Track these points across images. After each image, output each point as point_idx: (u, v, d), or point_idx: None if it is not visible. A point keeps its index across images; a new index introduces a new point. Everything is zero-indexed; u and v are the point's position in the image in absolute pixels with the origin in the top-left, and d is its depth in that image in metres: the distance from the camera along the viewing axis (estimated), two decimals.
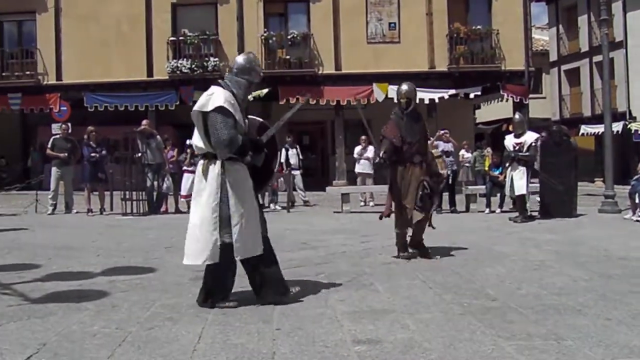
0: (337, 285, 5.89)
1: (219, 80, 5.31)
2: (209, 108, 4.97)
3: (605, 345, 4.01)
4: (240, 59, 5.38)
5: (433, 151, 8.14)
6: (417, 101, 7.99)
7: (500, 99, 25.09)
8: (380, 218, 8.10)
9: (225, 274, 5.15)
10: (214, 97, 5.01)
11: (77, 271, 6.81)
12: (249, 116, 5.50)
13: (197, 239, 5.08)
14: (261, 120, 5.77)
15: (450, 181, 14.58)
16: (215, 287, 5.13)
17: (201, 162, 5.19)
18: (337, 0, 24.11)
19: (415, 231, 7.79)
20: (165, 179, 14.76)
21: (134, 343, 4.11)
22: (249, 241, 5.07)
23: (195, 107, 5.08)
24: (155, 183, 14.48)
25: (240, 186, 5.07)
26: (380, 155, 7.67)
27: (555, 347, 3.97)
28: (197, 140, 5.21)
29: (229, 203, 5.00)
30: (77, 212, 14.59)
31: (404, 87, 7.95)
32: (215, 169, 5.04)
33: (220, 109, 4.94)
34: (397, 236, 7.75)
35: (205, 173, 5.09)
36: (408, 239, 7.83)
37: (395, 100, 8.16)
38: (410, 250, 7.76)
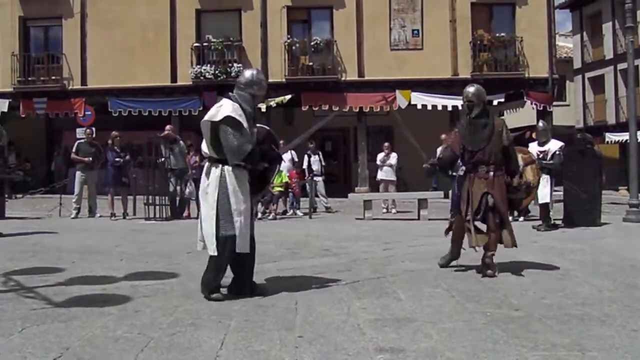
0: (359, 293, 5.88)
1: (229, 93, 5.84)
2: (218, 118, 5.56)
3: (632, 357, 3.97)
4: (245, 73, 5.96)
5: (524, 156, 7.62)
6: (484, 106, 7.18)
7: (523, 106, 24.94)
8: (445, 233, 7.78)
9: (223, 266, 5.70)
10: (223, 108, 5.61)
11: (100, 275, 6.86)
12: (258, 124, 6.07)
13: (205, 233, 5.70)
14: (268, 129, 6.32)
15: None
16: (212, 277, 5.67)
17: (207, 164, 5.81)
18: (361, 7, 24.14)
19: (485, 247, 7.04)
20: (188, 184, 14.83)
21: (156, 349, 4.14)
22: (245, 238, 5.63)
23: (205, 118, 5.68)
24: (178, 188, 14.58)
25: (239, 188, 5.63)
26: (429, 161, 7.55)
27: (579, 358, 3.94)
28: (204, 146, 5.87)
29: (230, 202, 5.58)
30: (100, 217, 14.73)
31: (467, 89, 7.31)
32: (216, 171, 5.65)
33: (228, 119, 5.53)
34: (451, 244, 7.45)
35: (208, 174, 5.75)
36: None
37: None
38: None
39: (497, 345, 4.20)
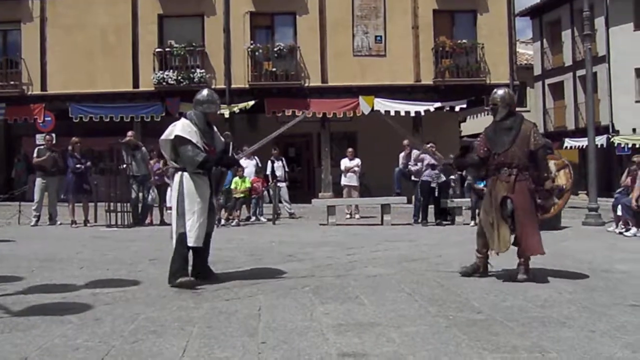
0: (322, 298, 5.87)
1: (188, 112, 6.85)
2: (171, 137, 6.58)
3: (589, 358, 4.03)
4: (198, 94, 6.93)
5: (557, 162, 7.45)
6: (510, 109, 7.01)
7: (485, 112, 25.23)
8: None
9: (181, 257, 6.53)
10: (175, 128, 6.61)
11: (60, 284, 6.73)
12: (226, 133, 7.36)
13: (171, 229, 6.69)
14: (224, 142, 7.15)
15: (436, 194, 14.63)
16: (176, 268, 6.48)
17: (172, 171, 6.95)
18: (324, 13, 24.21)
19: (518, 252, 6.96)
20: (151, 190, 14.71)
21: (117, 357, 4.07)
22: (197, 234, 6.51)
23: (162, 137, 6.70)
24: (141, 195, 14.42)
25: (194, 191, 6.55)
26: (445, 160, 7.57)
27: None
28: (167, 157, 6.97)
29: (184, 203, 6.52)
30: (60, 224, 14.50)
31: (495, 92, 7.18)
32: (177, 177, 6.68)
33: (178, 137, 6.53)
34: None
35: (172, 179, 6.92)
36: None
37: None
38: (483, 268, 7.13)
39: (459, 348, 4.24)
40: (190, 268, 6.71)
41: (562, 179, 6.96)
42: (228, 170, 7.12)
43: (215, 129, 7.05)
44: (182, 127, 6.58)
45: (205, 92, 6.97)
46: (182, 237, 6.50)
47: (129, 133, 14.90)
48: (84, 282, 6.78)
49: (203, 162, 6.48)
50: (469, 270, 7.05)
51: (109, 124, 22.97)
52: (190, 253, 6.67)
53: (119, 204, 14.12)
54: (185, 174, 6.57)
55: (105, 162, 15.01)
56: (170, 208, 14.33)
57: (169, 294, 6.13)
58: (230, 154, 7.13)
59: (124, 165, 14.34)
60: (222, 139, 7.09)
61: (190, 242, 6.49)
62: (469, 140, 34.08)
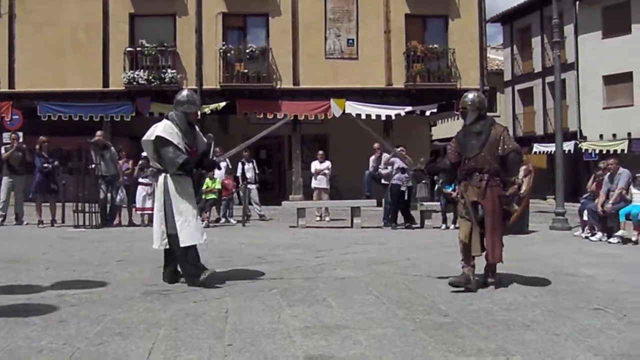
0: (290, 301, 5.88)
1: (169, 113, 6.81)
2: (152, 137, 6.57)
3: None
4: (178, 94, 6.95)
5: (524, 168, 7.20)
6: (480, 113, 6.87)
7: (455, 117, 25.45)
8: None
9: (189, 257, 6.58)
10: (156, 129, 6.59)
11: (25, 284, 6.64)
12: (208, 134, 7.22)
13: (155, 230, 6.75)
14: (207, 142, 7.11)
15: (406, 197, 14.71)
16: (189, 268, 6.60)
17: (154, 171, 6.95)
18: (296, 15, 24.19)
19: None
20: (119, 191, 14.56)
21: (81, 359, 4.04)
22: (188, 233, 6.52)
23: (144, 137, 6.69)
24: (109, 195, 14.29)
25: (179, 191, 6.60)
26: (415, 167, 7.52)
27: None
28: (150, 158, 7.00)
29: (172, 204, 6.55)
30: (27, 224, 14.30)
31: (465, 95, 7.07)
32: (161, 179, 6.68)
33: (159, 138, 6.54)
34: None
35: (157, 181, 6.87)
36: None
37: None
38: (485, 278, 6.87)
39: (425, 351, 4.27)
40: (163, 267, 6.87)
41: (525, 185, 6.77)
42: (208, 172, 7.04)
43: (197, 129, 7.06)
44: (163, 128, 6.58)
45: (185, 92, 7.00)
46: (174, 239, 6.54)
47: (98, 133, 14.74)
48: (49, 283, 6.70)
49: (183, 164, 6.51)
50: (461, 281, 6.54)
51: (78, 123, 22.69)
52: (163, 252, 6.79)
53: (87, 204, 13.96)
54: (169, 176, 6.60)
55: (74, 161, 14.83)
56: (141, 209, 14.46)
57: (136, 295, 6.09)
58: (211, 156, 7.07)
59: (93, 165, 14.18)
60: (205, 140, 7.07)
61: (183, 242, 6.50)
62: (439, 145, 34.46)
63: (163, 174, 6.64)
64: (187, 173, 6.64)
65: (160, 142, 6.53)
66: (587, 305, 5.82)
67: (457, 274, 6.71)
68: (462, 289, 6.41)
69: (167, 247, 6.66)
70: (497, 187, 6.70)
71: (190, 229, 6.54)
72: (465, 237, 6.65)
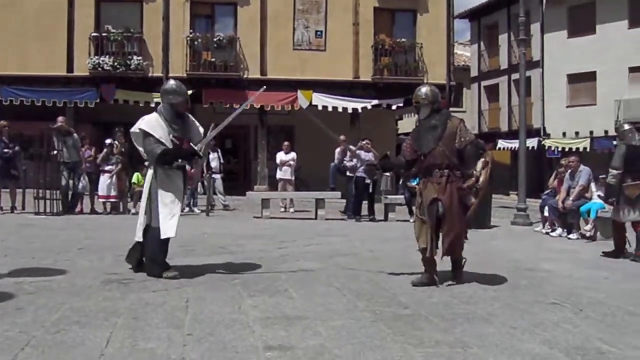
0: (251, 291, 5.86)
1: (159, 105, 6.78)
2: (137, 130, 6.55)
3: (509, 353, 4.14)
4: (164, 84, 6.95)
5: (482, 160, 6.94)
6: (433, 107, 6.65)
7: None
8: None
9: (155, 250, 6.53)
10: (142, 121, 6.56)
11: None
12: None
13: (139, 222, 6.61)
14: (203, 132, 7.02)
15: (370, 190, 14.78)
16: (149, 261, 6.57)
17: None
18: (265, 5, 24.09)
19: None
20: (82, 178, 14.36)
21: (37, 347, 3.98)
22: (171, 226, 6.43)
23: (131, 129, 6.64)
24: (71, 182, 14.09)
25: (166, 186, 6.50)
26: (368, 162, 7.30)
27: (461, 355, 4.08)
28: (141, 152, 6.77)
29: (158, 196, 6.47)
30: None
31: (418, 89, 6.86)
32: (149, 172, 6.63)
33: (141, 130, 6.51)
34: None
35: (145, 175, 6.84)
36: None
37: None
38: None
39: (384, 342, 4.30)
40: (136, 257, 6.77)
41: (482, 177, 6.63)
42: (187, 163, 6.79)
43: (191, 120, 6.94)
44: (147, 121, 6.55)
45: (170, 82, 6.99)
46: (154, 231, 6.47)
47: (60, 118, 14.50)
48: (7, 270, 6.58)
49: (161, 155, 6.42)
50: (424, 281, 6.40)
51: (41, 108, 22.29)
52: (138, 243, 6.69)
53: (48, 191, 13.77)
54: (158, 169, 6.52)
55: (35, 147, 14.55)
56: (104, 197, 14.30)
57: (95, 284, 6.02)
58: (199, 146, 6.75)
59: (55, 152, 13.97)
60: (201, 130, 6.93)
61: (165, 234, 6.44)
62: (405, 138, 34.71)
63: (152, 168, 6.57)
64: (166, 164, 6.48)
65: (143, 134, 6.48)
66: (544, 300, 5.92)
67: (419, 267, 6.73)
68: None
69: (141, 240, 6.57)
70: (457, 182, 6.53)
71: (173, 222, 6.45)
72: (424, 242, 6.43)
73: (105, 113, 22.71)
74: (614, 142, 10.07)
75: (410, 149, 6.83)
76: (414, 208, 14.51)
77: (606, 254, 9.47)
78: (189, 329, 4.50)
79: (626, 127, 9.86)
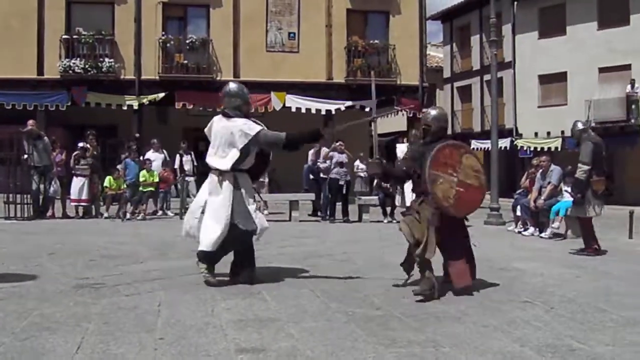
0: (225, 294, 5.85)
1: (225, 110, 6.61)
2: (255, 131, 6.39)
3: (481, 352, 4.18)
4: (226, 87, 6.75)
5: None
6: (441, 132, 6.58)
7: (394, 113, 25.67)
8: None
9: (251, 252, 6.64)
10: (250, 123, 6.47)
11: None
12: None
13: (213, 231, 6.28)
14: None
15: (344, 191, 14.81)
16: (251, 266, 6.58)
17: (213, 175, 6.48)
18: (238, 7, 24.02)
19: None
20: (53, 182, 14.22)
21: (6, 354, 3.93)
22: (260, 221, 6.49)
23: (241, 137, 6.33)
24: (42, 186, 13.93)
25: (248, 189, 6.49)
26: (374, 159, 6.95)
27: (432, 354, 4.11)
28: (218, 161, 6.47)
29: (243, 201, 6.36)
30: None
31: (429, 112, 6.78)
32: (229, 178, 6.36)
33: (260, 131, 6.42)
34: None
35: (220, 183, 6.39)
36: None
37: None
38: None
39: (356, 343, 4.31)
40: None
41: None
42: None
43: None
44: (248, 120, 6.53)
45: (232, 85, 6.87)
46: (247, 235, 6.45)
47: (30, 122, 14.36)
48: None
49: (289, 139, 6.53)
50: (426, 288, 5.90)
51: (10, 111, 21.92)
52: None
53: (18, 196, 13.63)
54: (238, 174, 6.43)
55: (5, 151, 14.38)
56: (76, 201, 14.15)
57: (66, 289, 5.96)
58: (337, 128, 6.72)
59: (25, 156, 13.83)
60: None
61: (263, 225, 6.53)
62: (378, 140, 34.78)
63: (232, 173, 6.38)
64: (293, 148, 6.72)
65: (263, 135, 6.44)
66: (516, 298, 5.97)
67: (393, 268, 6.73)
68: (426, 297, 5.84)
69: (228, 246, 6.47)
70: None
71: (260, 219, 6.56)
72: (432, 246, 5.95)
73: (76, 116, 22.46)
74: (574, 141, 10.23)
75: (410, 165, 6.71)
76: (388, 209, 14.68)
77: (579, 252, 9.63)
78: (160, 333, 4.47)
79: (579, 126, 9.98)
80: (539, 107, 30.96)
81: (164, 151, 17.03)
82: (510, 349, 4.27)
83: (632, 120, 26.91)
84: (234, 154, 6.38)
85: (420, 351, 4.15)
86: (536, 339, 4.51)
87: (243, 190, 6.42)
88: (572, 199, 10.33)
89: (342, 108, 23.72)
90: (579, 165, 9.58)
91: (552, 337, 4.58)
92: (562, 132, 29.23)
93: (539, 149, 28.03)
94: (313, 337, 4.42)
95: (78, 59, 22.68)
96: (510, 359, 4.08)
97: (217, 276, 6.39)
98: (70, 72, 22.56)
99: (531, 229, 12.45)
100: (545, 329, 4.81)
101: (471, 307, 5.51)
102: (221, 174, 6.42)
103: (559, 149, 28.58)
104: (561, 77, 29.77)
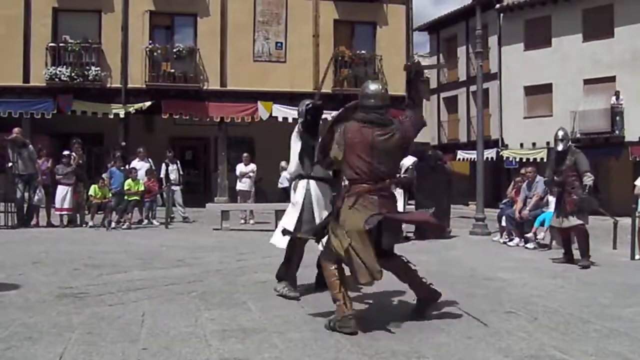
0: (209, 304, 5.83)
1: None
2: None
3: None
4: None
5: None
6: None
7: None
8: None
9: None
10: None
11: None
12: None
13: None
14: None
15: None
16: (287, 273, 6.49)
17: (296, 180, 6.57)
18: (225, 17, 24.06)
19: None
20: (38, 190, 14.14)
21: None
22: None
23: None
24: (27, 194, 13.85)
25: (321, 196, 6.39)
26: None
27: None
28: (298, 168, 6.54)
29: (312, 209, 6.32)
30: None
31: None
32: (302, 184, 6.43)
33: None
34: None
35: (295, 188, 6.52)
36: None
37: None
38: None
39: (340, 353, 4.30)
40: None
41: None
42: None
43: None
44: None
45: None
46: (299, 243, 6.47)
47: (15, 130, 14.28)
48: None
49: None
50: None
51: None
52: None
53: (3, 204, 13.54)
54: (312, 181, 6.43)
55: None
56: (61, 210, 14.06)
57: (49, 298, 5.92)
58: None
59: (10, 164, 13.75)
60: None
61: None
62: None
63: (304, 180, 6.47)
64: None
65: None
66: (500, 309, 5.98)
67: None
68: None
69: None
70: None
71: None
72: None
73: (62, 124, 22.35)
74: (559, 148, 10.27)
75: None
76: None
77: (558, 260, 9.75)
78: (144, 343, 4.45)
79: (560, 134, 9.99)
80: (524, 118, 31.15)
81: (150, 160, 16.98)
82: (494, 359, 4.28)
83: (617, 132, 27.16)
84: None
85: None
86: (520, 350, 4.52)
87: (315, 199, 6.46)
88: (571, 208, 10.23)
89: (329, 117, 23.67)
90: (587, 174, 9.61)
91: (536, 348, 4.59)
92: (548, 143, 29.37)
93: (524, 160, 28.18)
94: (297, 348, 4.41)
95: (64, 66, 22.60)
96: None
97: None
98: (57, 79, 22.47)
99: (516, 240, 12.49)
100: (529, 340, 4.83)
101: (455, 318, 5.52)
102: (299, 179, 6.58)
103: (545, 160, 28.73)
104: (546, 88, 29.99)
